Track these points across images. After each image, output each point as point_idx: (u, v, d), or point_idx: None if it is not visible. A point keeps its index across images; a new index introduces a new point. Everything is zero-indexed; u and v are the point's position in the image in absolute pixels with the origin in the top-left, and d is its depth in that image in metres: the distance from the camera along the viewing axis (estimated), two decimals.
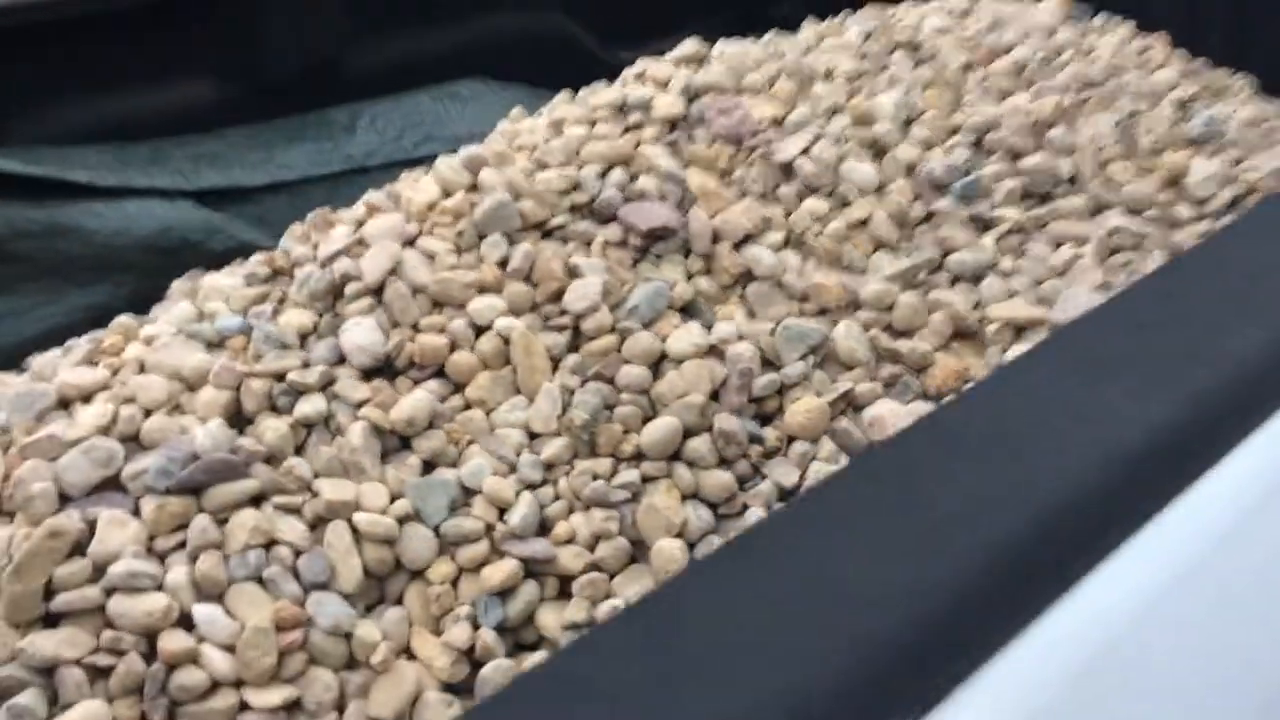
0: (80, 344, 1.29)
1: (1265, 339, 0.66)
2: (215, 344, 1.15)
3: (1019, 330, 1.30)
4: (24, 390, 1.11)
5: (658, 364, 1.17)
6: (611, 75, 2.57)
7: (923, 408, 1.19)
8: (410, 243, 1.23)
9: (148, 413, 1.08)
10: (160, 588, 0.96)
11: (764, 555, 0.54)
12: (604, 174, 1.32)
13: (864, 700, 0.47)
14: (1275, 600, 0.62)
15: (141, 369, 1.13)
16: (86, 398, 1.12)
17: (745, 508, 1.10)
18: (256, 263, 1.27)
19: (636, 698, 0.46)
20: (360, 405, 1.10)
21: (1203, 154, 1.63)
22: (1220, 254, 0.81)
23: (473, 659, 0.98)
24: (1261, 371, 0.64)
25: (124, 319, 1.26)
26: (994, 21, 1.74)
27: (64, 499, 1.01)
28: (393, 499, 1.04)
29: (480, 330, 1.16)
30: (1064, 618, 0.52)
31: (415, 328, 1.16)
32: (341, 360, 1.14)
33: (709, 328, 1.20)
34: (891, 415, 1.16)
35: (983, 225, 1.41)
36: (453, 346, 1.15)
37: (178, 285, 1.57)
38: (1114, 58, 1.76)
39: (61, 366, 1.22)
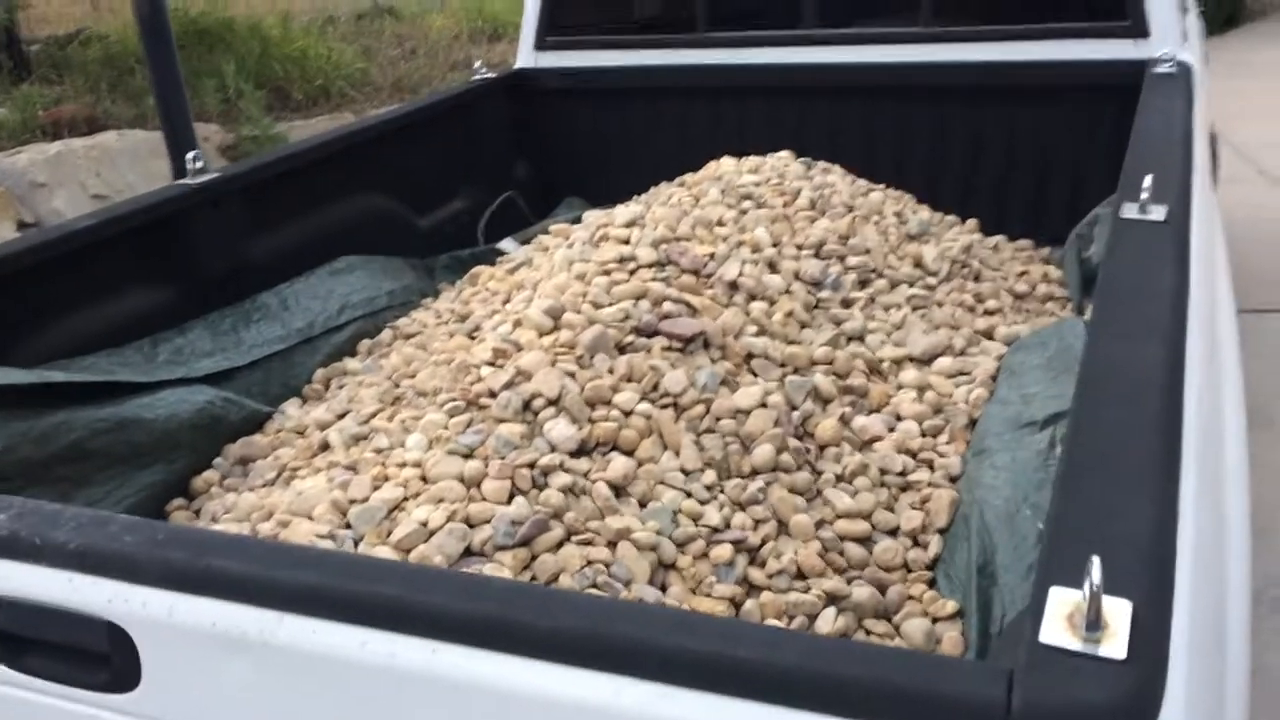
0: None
1: None
2: (466, 455, 1.64)
3: (897, 363, 2.09)
4: (362, 509, 1.55)
5: (734, 416, 1.82)
6: (419, 238, 3.16)
7: (875, 418, 1.93)
8: (552, 365, 1.79)
9: (456, 504, 1.56)
10: None
11: None
12: (635, 304, 1.95)
13: None
14: None
15: (424, 480, 1.61)
16: (400, 508, 1.57)
17: (819, 492, 1.78)
18: (449, 400, 1.76)
19: None
20: (587, 474, 1.65)
21: (922, 243, 2.55)
22: None
23: (734, 603, 1.57)
24: None
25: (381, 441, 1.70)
26: (779, 173, 2.57)
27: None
28: (642, 524, 1.61)
29: (627, 414, 1.75)
30: None
31: (591, 420, 1.73)
32: (553, 449, 1.68)
33: (750, 389, 1.87)
34: (869, 423, 1.90)
35: (847, 304, 2.20)
36: (619, 428, 1.73)
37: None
38: (848, 188, 2.66)
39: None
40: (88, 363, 2.14)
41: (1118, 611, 0.88)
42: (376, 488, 1.62)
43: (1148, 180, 1.78)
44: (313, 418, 2.14)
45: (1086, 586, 0.86)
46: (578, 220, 2.87)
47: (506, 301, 2.16)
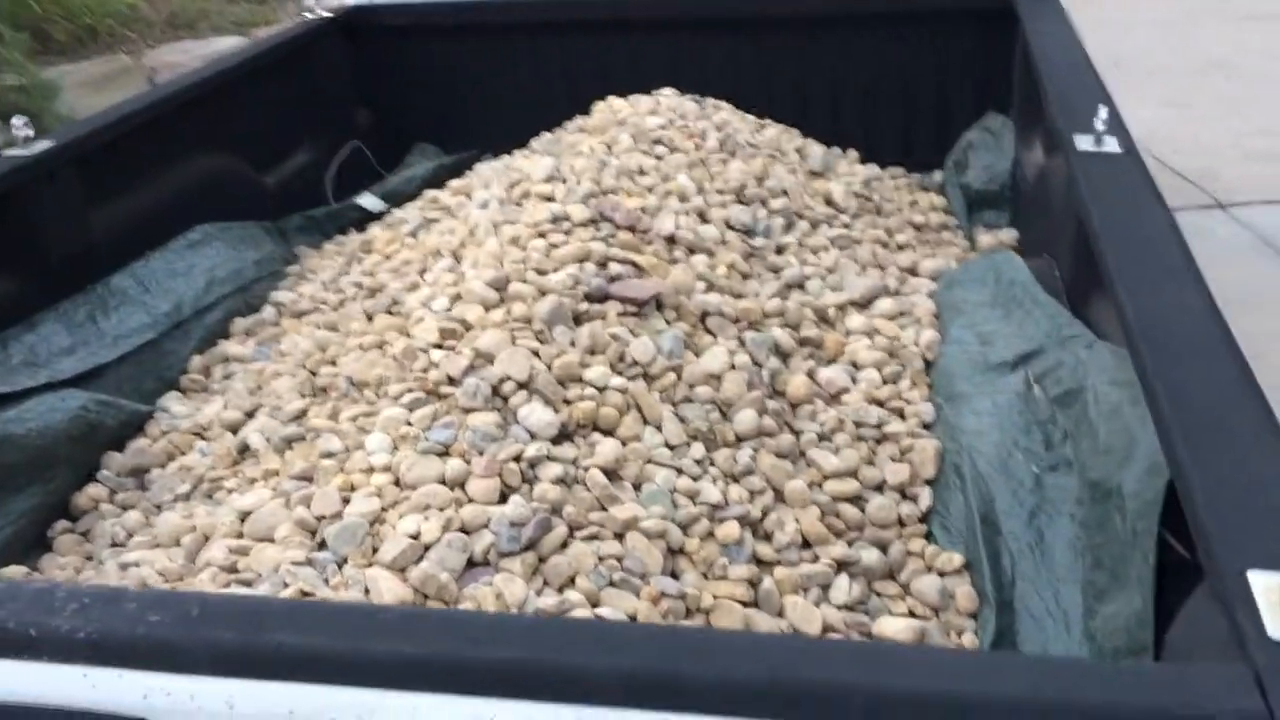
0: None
1: None
2: (441, 453, 1.47)
3: (840, 309, 2.03)
4: (341, 527, 1.36)
5: (706, 381, 1.71)
6: (266, 199, 2.89)
7: (837, 369, 1.86)
8: (512, 343, 1.62)
9: (444, 510, 1.39)
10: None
11: None
12: (580, 267, 1.80)
13: None
14: None
15: (399, 485, 1.43)
16: (380, 520, 1.39)
17: (802, 453, 1.70)
18: (407, 392, 1.56)
19: None
20: (574, 460, 1.51)
21: (827, 179, 2.49)
22: None
23: (751, 583, 1.47)
24: None
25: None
26: (679, 114, 2.44)
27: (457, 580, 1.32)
28: (644, 509, 1.48)
29: (601, 390, 1.61)
30: None
31: (566, 401, 1.58)
32: (533, 437, 1.53)
33: (714, 350, 1.76)
34: (833, 375, 1.82)
35: (780, 250, 2.11)
36: (598, 406, 1.59)
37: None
38: (745, 126, 2.56)
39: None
40: None
41: None
42: (346, 500, 1.43)
43: (1103, 112, 1.76)
44: (211, 415, 1.90)
45: None
46: (446, 171, 2.66)
47: (424, 272, 1.96)
